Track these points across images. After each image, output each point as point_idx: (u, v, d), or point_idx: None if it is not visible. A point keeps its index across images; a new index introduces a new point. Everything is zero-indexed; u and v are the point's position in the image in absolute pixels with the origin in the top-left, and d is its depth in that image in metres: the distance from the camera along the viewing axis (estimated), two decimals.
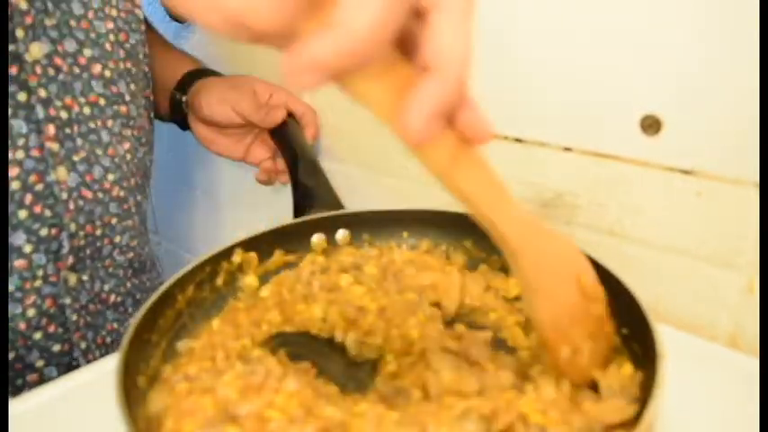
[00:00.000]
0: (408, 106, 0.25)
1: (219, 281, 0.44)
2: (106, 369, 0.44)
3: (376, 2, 0.22)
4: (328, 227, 0.50)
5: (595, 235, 0.52)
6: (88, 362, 0.59)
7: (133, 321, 0.35)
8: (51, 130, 0.53)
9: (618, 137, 0.48)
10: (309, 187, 0.58)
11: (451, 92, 0.25)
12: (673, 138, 0.46)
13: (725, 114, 0.43)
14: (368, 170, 0.69)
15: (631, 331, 0.36)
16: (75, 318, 0.57)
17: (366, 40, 0.23)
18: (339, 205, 0.54)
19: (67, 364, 0.58)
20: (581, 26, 0.48)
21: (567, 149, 0.52)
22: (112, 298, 0.62)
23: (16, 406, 0.41)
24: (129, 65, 0.62)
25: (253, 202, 0.87)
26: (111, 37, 0.60)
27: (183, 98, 0.72)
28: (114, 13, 0.61)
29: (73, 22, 0.56)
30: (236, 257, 0.45)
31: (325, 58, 0.23)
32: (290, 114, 0.68)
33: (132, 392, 0.32)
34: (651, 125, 0.46)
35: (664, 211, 0.48)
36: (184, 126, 0.74)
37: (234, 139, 0.72)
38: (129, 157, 0.62)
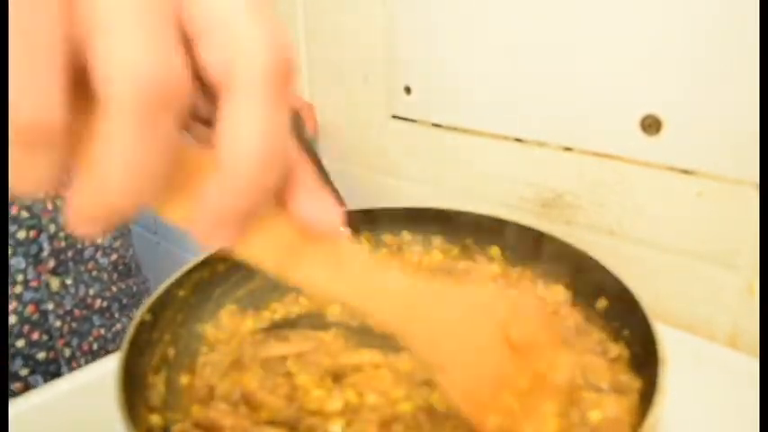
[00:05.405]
0: (197, 211, 0.21)
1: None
2: (94, 375, 0.44)
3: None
4: None
5: (595, 235, 0.52)
6: (72, 370, 0.57)
7: (134, 321, 0.35)
8: None
9: (618, 137, 0.48)
10: None
11: (241, 193, 0.21)
12: (673, 138, 0.46)
13: (725, 114, 0.43)
14: (368, 170, 0.69)
15: (632, 334, 0.36)
16: (59, 324, 0.56)
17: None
18: (340, 201, 0.54)
19: (54, 373, 0.56)
20: (581, 26, 0.48)
21: (567, 149, 0.52)
22: (98, 303, 0.61)
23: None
24: None
25: None
26: None
27: None
28: None
29: None
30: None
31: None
32: None
33: (133, 393, 0.32)
34: (651, 125, 0.46)
35: (664, 211, 0.48)
36: None
37: None
38: None
